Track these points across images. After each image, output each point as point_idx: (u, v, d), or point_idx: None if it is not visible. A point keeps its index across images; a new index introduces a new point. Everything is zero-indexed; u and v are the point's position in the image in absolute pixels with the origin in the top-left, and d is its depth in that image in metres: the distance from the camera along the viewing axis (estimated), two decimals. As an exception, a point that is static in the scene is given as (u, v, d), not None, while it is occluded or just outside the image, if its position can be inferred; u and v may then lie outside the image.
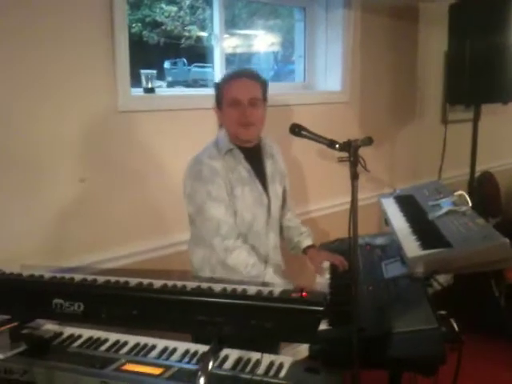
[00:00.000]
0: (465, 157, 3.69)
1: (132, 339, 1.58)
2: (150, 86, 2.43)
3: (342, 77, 3.31)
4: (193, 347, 1.52)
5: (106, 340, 1.58)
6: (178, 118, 2.46)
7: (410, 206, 2.24)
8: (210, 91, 2.76)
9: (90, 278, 1.42)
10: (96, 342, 1.57)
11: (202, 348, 1.48)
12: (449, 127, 3.88)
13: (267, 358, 1.44)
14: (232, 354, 1.47)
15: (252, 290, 1.31)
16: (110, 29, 2.18)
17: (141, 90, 2.48)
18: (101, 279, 1.41)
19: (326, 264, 2.18)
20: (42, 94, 2.06)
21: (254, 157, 2.02)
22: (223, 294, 1.26)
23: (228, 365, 1.43)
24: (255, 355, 1.45)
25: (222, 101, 1.96)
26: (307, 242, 2.20)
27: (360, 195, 3.34)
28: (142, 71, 2.44)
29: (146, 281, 1.40)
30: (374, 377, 1.81)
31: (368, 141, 1.55)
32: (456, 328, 1.66)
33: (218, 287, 1.33)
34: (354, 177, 1.42)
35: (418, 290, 1.73)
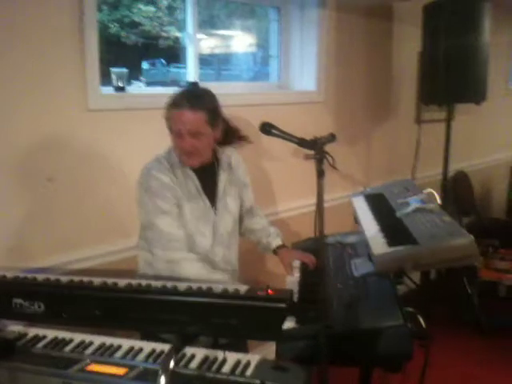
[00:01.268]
0: (438, 156, 3.73)
1: (97, 339, 1.55)
2: (120, 84, 2.40)
3: (317, 76, 3.32)
4: (159, 347, 1.50)
5: (71, 340, 1.55)
6: (149, 117, 2.43)
7: (379, 204, 2.25)
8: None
9: (53, 277, 1.40)
10: (61, 343, 1.54)
11: (168, 347, 1.47)
12: (423, 127, 3.92)
13: (234, 357, 1.43)
14: (198, 353, 1.46)
15: (218, 288, 1.31)
16: (80, 27, 2.15)
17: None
18: (64, 279, 1.39)
19: (297, 263, 2.18)
20: (10, 93, 2.03)
21: (207, 171, 2.01)
22: (187, 292, 1.25)
23: (194, 364, 1.42)
24: (222, 354, 1.44)
25: (168, 126, 1.93)
26: (276, 242, 2.21)
27: (335, 194, 3.38)
28: (113, 69, 2.42)
29: (110, 280, 1.38)
30: (345, 373, 1.82)
31: (331, 137, 1.55)
32: (423, 325, 1.67)
33: (183, 286, 1.32)
34: (320, 174, 1.42)
35: (386, 287, 1.74)
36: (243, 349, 1.90)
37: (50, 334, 1.58)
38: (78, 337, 1.57)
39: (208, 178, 2.01)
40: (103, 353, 1.49)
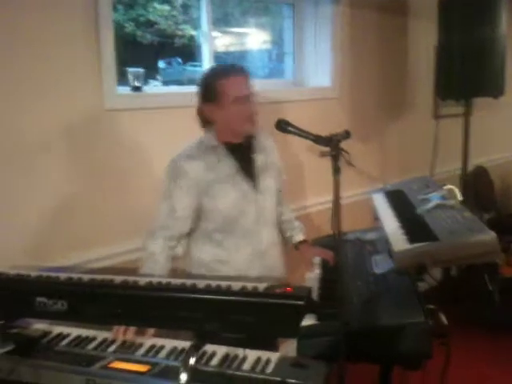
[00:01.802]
0: (457, 151, 3.70)
1: (120, 337, 1.58)
2: (137, 84, 2.42)
3: (332, 72, 3.31)
4: (180, 344, 1.51)
5: (94, 338, 1.57)
6: (165, 116, 2.45)
7: (399, 200, 2.24)
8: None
9: (75, 276, 1.42)
10: (84, 341, 1.56)
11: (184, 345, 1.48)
12: (441, 122, 3.88)
13: (254, 354, 1.44)
14: (219, 351, 1.47)
15: (237, 285, 1.31)
16: (95, 27, 2.18)
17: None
18: (86, 277, 1.40)
19: (317, 259, 2.18)
20: (27, 94, 2.06)
21: (243, 152, 2.00)
22: (206, 290, 1.26)
23: (215, 361, 1.43)
24: (241, 351, 1.45)
25: (220, 97, 1.90)
26: (299, 237, 2.21)
27: (352, 191, 3.36)
28: (129, 69, 2.44)
29: (131, 278, 1.39)
30: (366, 370, 1.82)
31: (346, 134, 1.55)
32: (445, 322, 1.66)
33: (202, 283, 1.33)
34: (336, 171, 1.41)
35: (407, 284, 1.73)
36: (273, 346, 1.89)
37: (74, 332, 1.61)
38: (101, 335, 1.59)
39: (245, 158, 2.00)
40: (126, 350, 1.51)
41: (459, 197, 2.01)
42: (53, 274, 1.41)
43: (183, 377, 1.05)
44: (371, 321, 1.55)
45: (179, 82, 3.03)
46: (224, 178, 1.93)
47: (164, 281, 1.39)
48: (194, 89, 2.80)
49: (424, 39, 3.89)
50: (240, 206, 1.95)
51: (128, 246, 2.37)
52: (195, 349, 1.12)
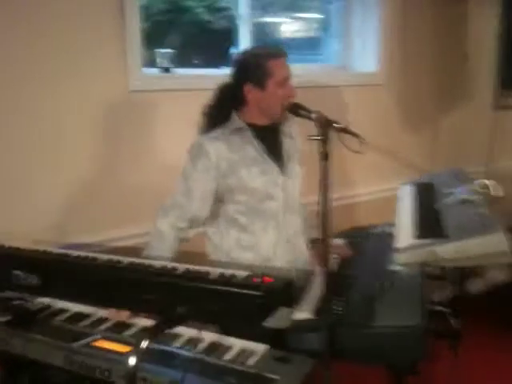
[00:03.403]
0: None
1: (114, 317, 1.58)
2: (165, 65, 2.41)
3: (378, 58, 3.15)
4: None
5: (91, 316, 1.59)
6: (193, 98, 2.41)
7: (424, 193, 2.08)
8: (227, 70, 2.73)
9: (55, 251, 1.43)
10: (79, 317, 1.58)
11: (181, 330, 1.45)
12: (500, 113, 3.60)
13: (240, 344, 1.40)
14: (207, 337, 1.43)
15: (215, 273, 1.27)
16: (121, 8, 2.19)
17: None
18: (74, 254, 1.42)
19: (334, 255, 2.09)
20: (51, 75, 2.10)
21: (270, 135, 1.94)
22: (177, 274, 1.23)
23: (200, 347, 1.40)
24: (230, 340, 1.41)
25: (266, 78, 1.83)
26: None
27: (396, 183, 3.19)
28: (157, 50, 2.43)
29: (115, 258, 1.39)
30: (375, 374, 1.72)
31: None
32: (454, 325, 1.54)
33: (182, 268, 1.30)
34: (324, 157, 1.31)
35: (415, 283, 1.60)
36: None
37: (73, 308, 1.63)
38: (98, 313, 1.60)
39: (270, 142, 1.93)
40: (116, 330, 1.51)
41: (492, 192, 1.84)
42: (41, 249, 1.44)
43: (131, 360, 1.02)
44: (365, 319, 1.45)
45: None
46: (250, 161, 1.87)
47: (147, 262, 1.37)
48: (223, 70, 2.78)
49: (487, 22, 3.61)
50: (268, 189, 1.89)
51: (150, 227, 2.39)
52: (155, 332, 1.09)
